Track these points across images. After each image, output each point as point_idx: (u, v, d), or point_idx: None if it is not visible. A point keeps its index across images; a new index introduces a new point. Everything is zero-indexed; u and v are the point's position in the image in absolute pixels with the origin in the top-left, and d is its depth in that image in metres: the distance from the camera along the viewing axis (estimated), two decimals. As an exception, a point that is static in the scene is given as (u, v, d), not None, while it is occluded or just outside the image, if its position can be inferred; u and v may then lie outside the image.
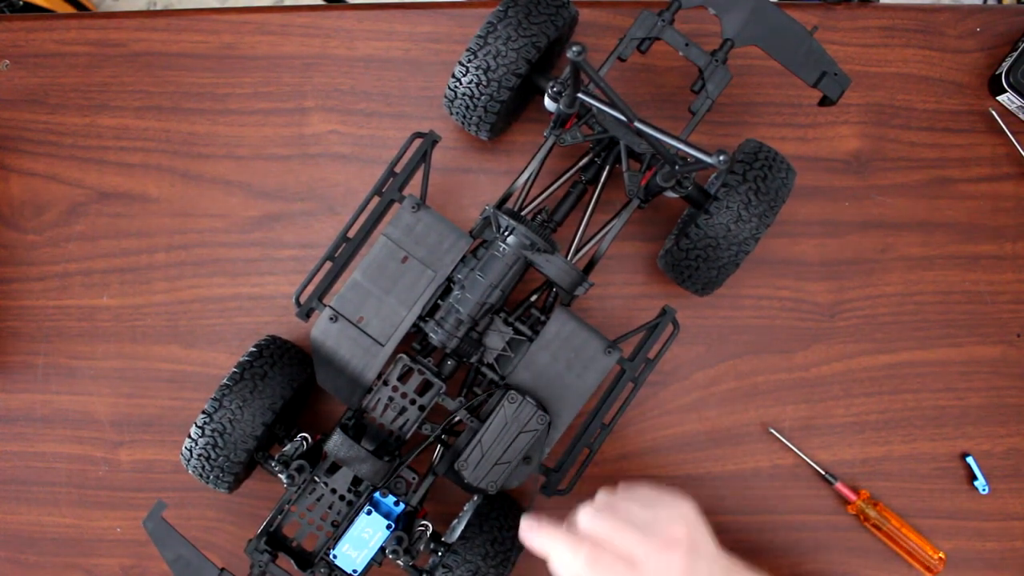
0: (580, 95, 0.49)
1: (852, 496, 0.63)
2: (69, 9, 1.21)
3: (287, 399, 0.55)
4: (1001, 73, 0.64)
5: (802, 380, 0.64)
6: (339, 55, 0.65)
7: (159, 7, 1.39)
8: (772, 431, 0.64)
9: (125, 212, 0.65)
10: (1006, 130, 0.65)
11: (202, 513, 0.64)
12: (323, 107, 0.65)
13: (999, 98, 0.65)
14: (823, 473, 0.63)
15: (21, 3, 1.12)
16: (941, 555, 0.62)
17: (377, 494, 0.53)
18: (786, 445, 0.64)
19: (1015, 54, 0.64)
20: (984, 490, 0.64)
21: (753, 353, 0.64)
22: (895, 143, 0.66)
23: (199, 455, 0.53)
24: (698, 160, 0.45)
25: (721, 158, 0.43)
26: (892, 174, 0.65)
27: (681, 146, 0.46)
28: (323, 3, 1.05)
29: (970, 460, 0.64)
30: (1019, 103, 0.64)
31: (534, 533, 0.48)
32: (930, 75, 0.66)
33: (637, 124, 0.46)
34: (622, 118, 0.46)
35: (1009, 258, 0.65)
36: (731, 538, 0.64)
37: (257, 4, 1.24)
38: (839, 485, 0.63)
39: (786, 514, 0.64)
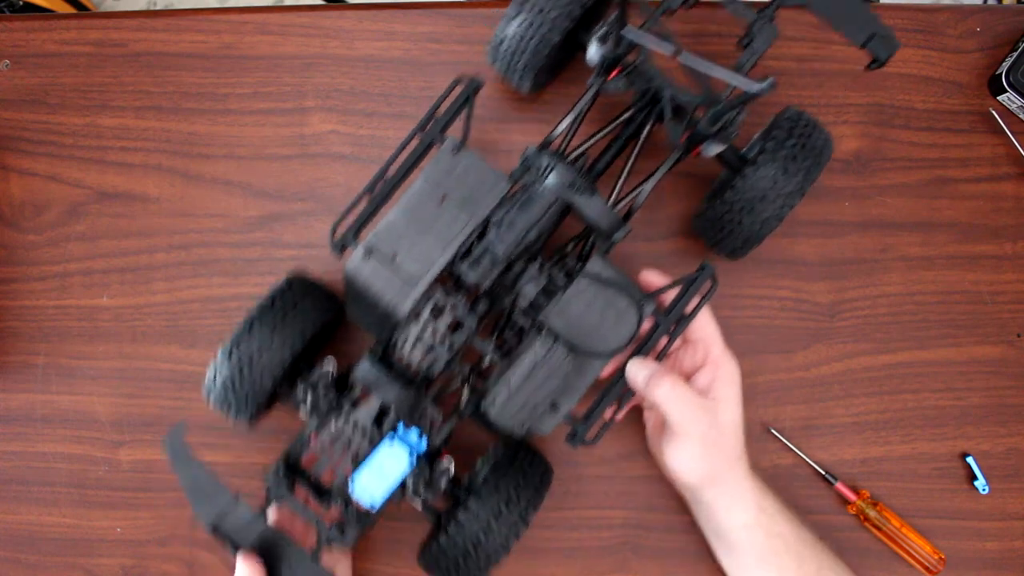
0: (626, 31, 0.48)
1: (852, 496, 0.63)
2: (69, 9, 1.21)
3: (315, 333, 0.54)
4: (1001, 73, 0.64)
5: (802, 380, 0.64)
6: (339, 55, 0.65)
7: (159, 7, 1.39)
8: (772, 431, 0.64)
9: (125, 212, 0.65)
10: (1006, 130, 0.65)
11: (202, 513, 0.64)
12: (323, 107, 0.65)
13: (999, 98, 0.65)
14: (823, 473, 0.63)
15: (21, 3, 1.12)
16: (941, 555, 0.62)
17: (400, 430, 0.52)
18: (786, 445, 0.64)
19: (1015, 54, 0.64)
20: (984, 490, 0.64)
21: (753, 353, 0.64)
22: (895, 143, 0.66)
23: (223, 384, 0.53)
24: (745, 91, 0.44)
25: (768, 82, 0.42)
26: (892, 174, 0.65)
27: (726, 75, 0.45)
28: (323, 3, 1.05)
29: (970, 460, 0.64)
30: (1019, 103, 0.64)
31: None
32: (930, 75, 0.66)
33: (682, 56, 0.46)
34: (669, 50, 0.46)
35: (1009, 258, 0.65)
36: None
37: (257, 4, 1.24)
38: (839, 485, 0.63)
39: (786, 514, 0.64)
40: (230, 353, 0.52)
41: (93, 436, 0.64)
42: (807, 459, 0.64)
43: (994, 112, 0.66)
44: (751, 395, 0.64)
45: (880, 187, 0.65)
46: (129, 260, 0.65)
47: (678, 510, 0.64)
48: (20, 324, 0.65)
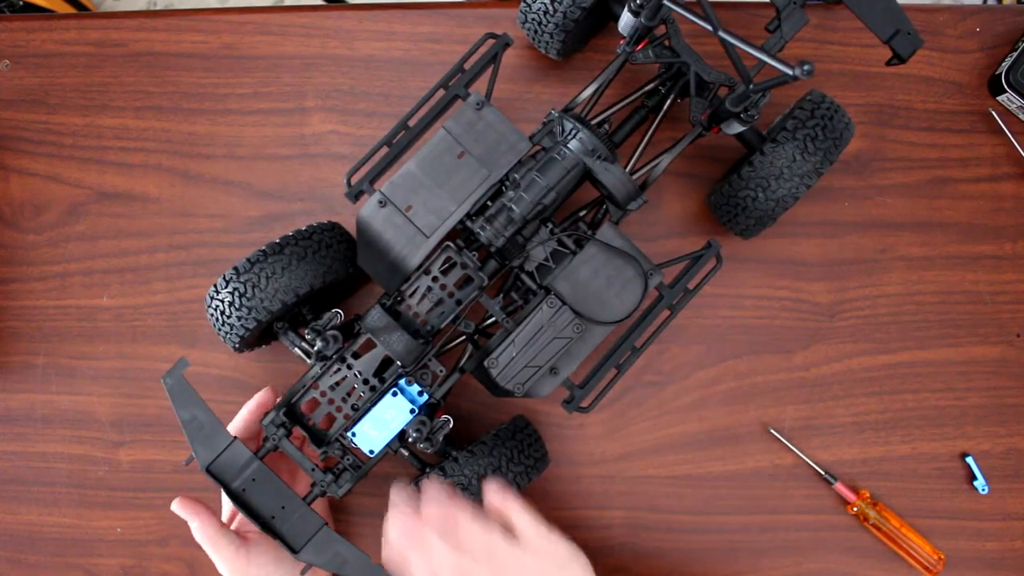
0: (668, 1, 0.48)
1: (852, 496, 0.63)
2: (69, 9, 1.21)
3: (335, 281, 0.54)
4: (1001, 73, 0.64)
5: (802, 380, 0.64)
6: (339, 55, 0.65)
7: (159, 7, 1.39)
8: (772, 431, 0.64)
9: (125, 212, 0.65)
10: (1006, 130, 0.65)
11: (202, 513, 0.64)
12: (323, 107, 0.65)
13: (999, 98, 0.65)
14: (823, 473, 0.63)
15: (21, 3, 1.12)
16: (941, 555, 0.62)
17: (402, 383, 0.53)
18: (786, 445, 0.64)
19: (1015, 54, 0.64)
20: (984, 490, 0.64)
21: (753, 353, 0.64)
22: (895, 143, 0.66)
23: (216, 306, 0.53)
24: (779, 74, 0.44)
25: (805, 68, 0.42)
26: (892, 174, 0.65)
27: (763, 56, 0.45)
28: (323, 3, 1.05)
29: (970, 460, 0.64)
30: (1019, 103, 0.64)
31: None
32: (930, 75, 0.66)
33: (721, 33, 0.46)
34: (707, 26, 0.46)
35: (1009, 258, 0.65)
36: (731, 538, 0.64)
37: (257, 4, 1.24)
38: (839, 485, 0.63)
39: (786, 514, 0.64)
40: (228, 281, 0.52)
41: (93, 436, 0.64)
42: (807, 459, 0.64)
43: (994, 112, 0.66)
44: (751, 395, 0.64)
45: (880, 187, 0.65)
46: (129, 260, 0.65)
47: (678, 510, 0.64)
48: (20, 324, 0.65)
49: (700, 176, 0.65)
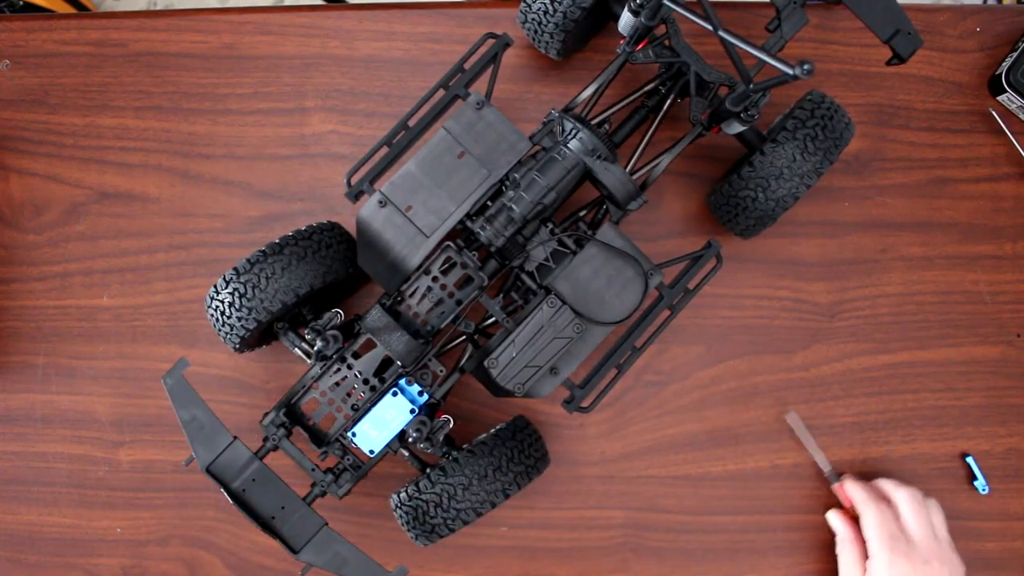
0: (666, 1, 0.49)
1: (852, 496, 0.63)
2: (69, 9, 1.21)
3: (335, 281, 0.54)
4: (1001, 73, 0.64)
5: (802, 380, 0.64)
6: (339, 55, 0.65)
7: (159, 7, 1.39)
8: (788, 419, 0.64)
9: (125, 212, 0.65)
10: (1006, 130, 0.65)
11: (202, 513, 0.64)
12: (323, 107, 0.65)
13: (999, 98, 0.65)
14: (824, 473, 0.63)
15: (21, 3, 1.12)
16: (941, 555, 0.62)
17: (402, 383, 0.53)
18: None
19: (1015, 54, 0.64)
20: (984, 490, 0.64)
21: (753, 353, 0.64)
22: (895, 143, 0.66)
23: (216, 306, 0.53)
24: (779, 74, 0.44)
25: (805, 67, 0.43)
26: (892, 174, 0.65)
27: (763, 55, 0.45)
28: (323, 3, 1.05)
29: (970, 460, 0.64)
30: (1019, 103, 0.64)
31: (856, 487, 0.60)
32: (930, 75, 0.66)
33: (721, 32, 0.46)
34: (707, 26, 0.46)
35: (1009, 258, 0.65)
36: (731, 538, 0.64)
37: (257, 4, 1.24)
38: (839, 485, 0.63)
39: (786, 514, 0.64)
40: (228, 281, 0.52)
41: (93, 436, 0.64)
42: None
43: (994, 112, 0.66)
44: (751, 395, 0.64)
45: (880, 187, 0.65)
46: (129, 260, 0.65)
47: (678, 510, 0.64)
48: (20, 324, 0.65)
49: (700, 176, 0.65)
